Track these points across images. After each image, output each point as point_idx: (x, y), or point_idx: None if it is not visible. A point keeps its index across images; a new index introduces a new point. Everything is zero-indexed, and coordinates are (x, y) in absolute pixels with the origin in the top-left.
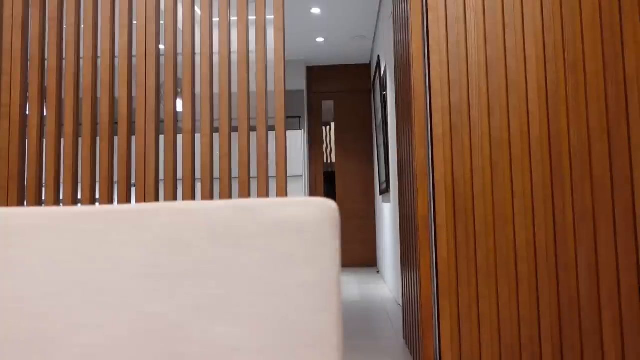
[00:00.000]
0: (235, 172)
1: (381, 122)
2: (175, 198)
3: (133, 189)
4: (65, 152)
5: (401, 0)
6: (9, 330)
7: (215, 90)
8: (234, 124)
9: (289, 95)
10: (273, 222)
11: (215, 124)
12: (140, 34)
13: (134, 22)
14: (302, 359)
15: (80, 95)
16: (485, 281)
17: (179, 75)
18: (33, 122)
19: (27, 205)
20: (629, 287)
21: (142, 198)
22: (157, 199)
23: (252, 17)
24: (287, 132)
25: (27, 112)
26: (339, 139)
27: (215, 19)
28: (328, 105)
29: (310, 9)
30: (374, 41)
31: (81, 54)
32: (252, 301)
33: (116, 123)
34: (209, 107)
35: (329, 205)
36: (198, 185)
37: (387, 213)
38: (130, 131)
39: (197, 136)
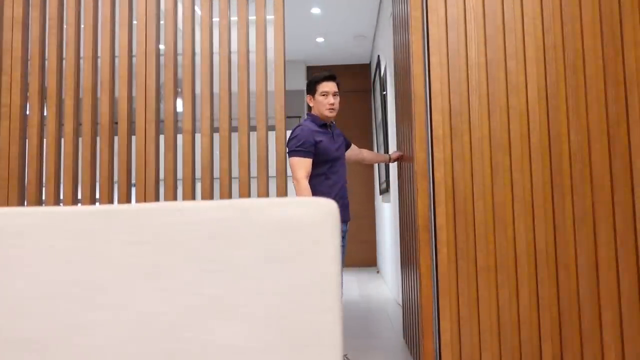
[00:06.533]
0: (235, 172)
1: (381, 122)
2: (175, 198)
3: (133, 189)
4: (65, 152)
5: (401, 0)
6: (9, 330)
7: (215, 90)
8: (233, 124)
9: (289, 95)
10: (273, 222)
11: (215, 124)
12: (140, 34)
13: (134, 22)
14: (302, 359)
15: (81, 95)
16: (485, 282)
17: (179, 75)
18: (33, 122)
19: (27, 205)
20: (629, 287)
21: (142, 198)
22: (157, 199)
23: (252, 17)
24: (287, 132)
25: (27, 112)
26: None
27: (215, 19)
28: None
29: (310, 9)
30: (374, 41)
31: (81, 54)
32: (252, 301)
33: (116, 123)
34: (209, 107)
35: (328, 205)
36: (198, 185)
37: (387, 213)
38: (130, 131)
39: (197, 136)
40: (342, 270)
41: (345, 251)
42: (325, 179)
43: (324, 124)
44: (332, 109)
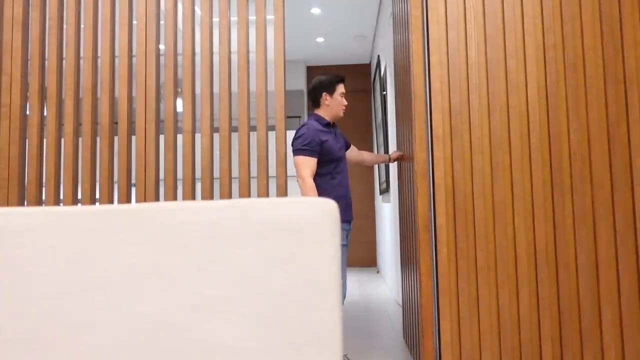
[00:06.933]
0: (235, 172)
1: (381, 122)
2: (175, 198)
3: (133, 189)
4: (65, 152)
5: (401, 0)
6: (9, 330)
7: (215, 90)
8: (234, 124)
9: (289, 95)
10: (273, 222)
11: (215, 124)
12: (140, 34)
13: (134, 22)
14: (302, 359)
15: (81, 95)
16: (485, 281)
17: (179, 75)
18: (33, 122)
19: (27, 205)
20: (629, 287)
21: (142, 198)
22: (157, 199)
23: (252, 17)
24: (287, 132)
25: (27, 112)
26: None
27: (215, 19)
28: None
29: (310, 9)
30: (374, 41)
31: (81, 54)
32: (252, 301)
33: (116, 123)
34: (209, 107)
35: (328, 205)
36: (198, 185)
37: (387, 213)
38: (130, 131)
39: (197, 136)
40: (345, 269)
41: (346, 251)
42: (331, 179)
43: (327, 124)
44: (344, 110)
